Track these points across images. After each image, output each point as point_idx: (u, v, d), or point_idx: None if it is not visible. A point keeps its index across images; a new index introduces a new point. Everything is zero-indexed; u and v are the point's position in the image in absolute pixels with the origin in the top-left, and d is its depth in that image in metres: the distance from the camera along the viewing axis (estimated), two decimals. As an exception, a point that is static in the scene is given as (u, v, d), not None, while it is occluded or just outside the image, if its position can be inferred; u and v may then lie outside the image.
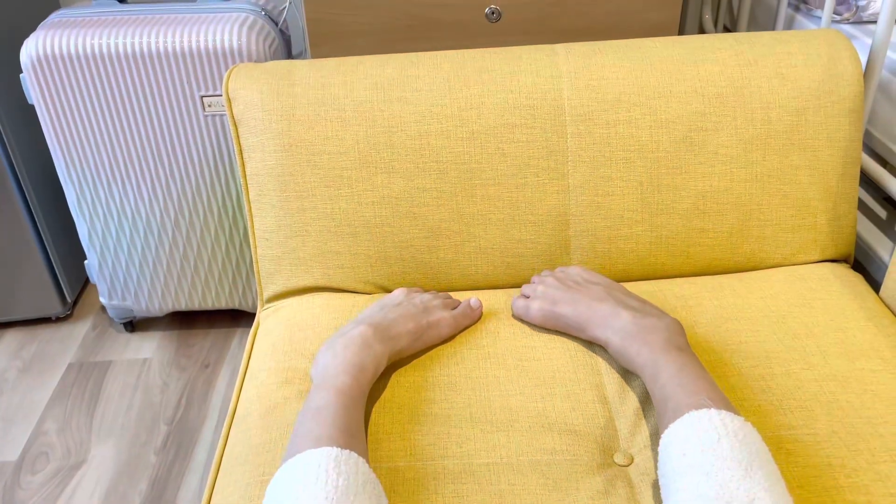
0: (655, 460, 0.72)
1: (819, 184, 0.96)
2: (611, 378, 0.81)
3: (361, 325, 0.79)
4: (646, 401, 0.78)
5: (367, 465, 0.63)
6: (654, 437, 0.74)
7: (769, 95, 0.93)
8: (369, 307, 0.87)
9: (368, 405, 0.79)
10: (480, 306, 0.90)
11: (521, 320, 0.89)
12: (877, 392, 0.77)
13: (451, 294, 0.97)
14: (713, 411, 0.62)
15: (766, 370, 0.80)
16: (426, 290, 0.92)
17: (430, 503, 0.68)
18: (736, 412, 0.64)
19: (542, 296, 0.87)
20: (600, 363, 0.83)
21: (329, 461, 0.61)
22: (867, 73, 1.02)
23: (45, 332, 1.55)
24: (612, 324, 0.79)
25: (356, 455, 0.63)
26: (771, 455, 0.61)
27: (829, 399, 0.76)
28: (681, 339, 0.75)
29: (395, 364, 0.84)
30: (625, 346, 0.76)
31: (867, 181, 1.15)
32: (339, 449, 0.62)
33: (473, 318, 0.89)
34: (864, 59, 1.04)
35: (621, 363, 0.79)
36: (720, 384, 0.79)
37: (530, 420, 0.76)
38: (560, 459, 0.72)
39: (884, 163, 1.08)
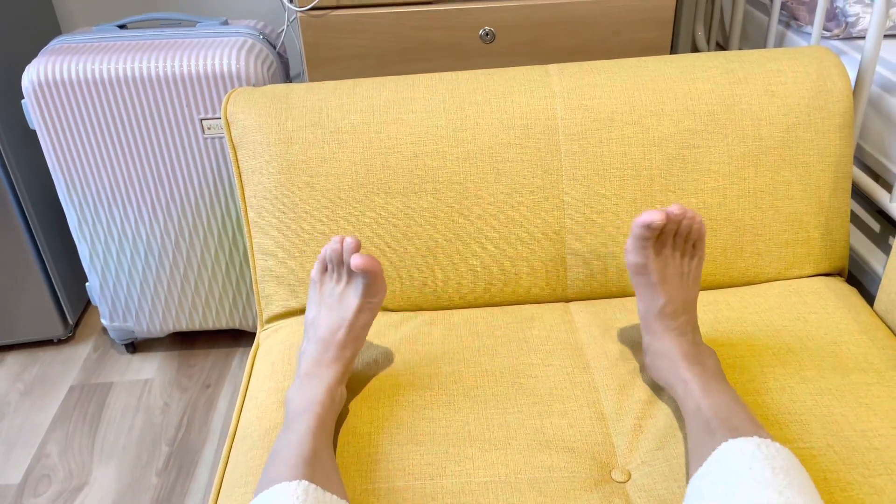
0: (653, 477, 0.72)
1: (811, 199, 0.97)
2: (608, 395, 0.82)
3: (302, 365, 0.80)
4: (643, 417, 0.79)
5: (318, 489, 0.64)
6: (653, 453, 0.75)
7: (760, 112, 0.95)
8: (304, 341, 0.84)
9: (366, 425, 0.79)
10: (354, 241, 0.79)
11: (629, 249, 0.79)
12: (872, 405, 0.77)
13: (450, 311, 0.98)
14: (779, 446, 0.64)
15: (762, 384, 0.81)
16: (327, 272, 0.84)
17: (428, 522, 0.69)
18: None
19: (661, 257, 0.79)
20: (597, 380, 0.84)
21: (277, 498, 0.63)
22: (857, 89, 1.03)
23: (46, 355, 1.56)
24: (676, 335, 0.78)
25: (305, 483, 0.64)
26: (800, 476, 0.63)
27: (825, 413, 0.77)
28: (722, 372, 0.78)
29: (391, 383, 0.85)
30: (679, 361, 0.76)
31: (860, 195, 1.16)
32: (287, 482, 0.64)
33: (372, 268, 0.77)
34: (853, 75, 1.05)
35: (657, 369, 0.79)
36: (716, 399, 0.80)
37: (528, 438, 0.77)
38: (558, 477, 0.73)
39: (876, 177, 1.09)
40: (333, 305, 0.82)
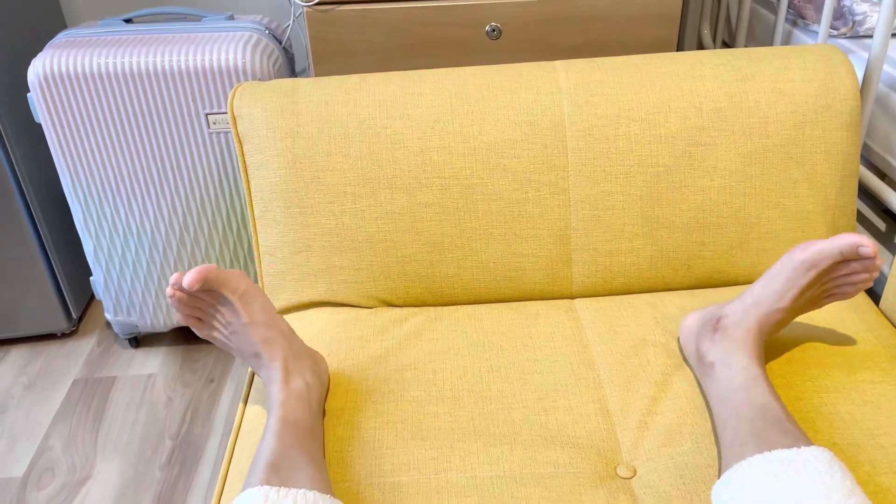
0: (658, 474, 0.72)
1: (818, 197, 0.96)
2: (613, 391, 0.82)
3: (264, 377, 0.79)
4: (648, 413, 0.79)
5: (280, 490, 0.64)
6: (658, 450, 0.75)
7: (767, 110, 0.94)
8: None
9: (371, 419, 0.79)
10: (170, 288, 0.76)
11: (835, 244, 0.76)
12: (877, 403, 0.77)
13: (455, 307, 0.97)
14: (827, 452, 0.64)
15: (767, 382, 0.81)
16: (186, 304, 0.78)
17: (433, 516, 0.69)
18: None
19: (817, 283, 0.78)
20: (602, 376, 0.84)
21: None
22: (864, 88, 1.03)
23: (50, 349, 1.56)
24: (759, 341, 0.78)
25: (266, 487, 0.65)
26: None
27: (830, 411, 0.77)
28: None
29: (396, 378, 0.85)
30: (755, 346, 0.76)
31: (866, 194, 1.15)
32: (248, 490, 0.65)
33: (196, 276, 0.73)
34: (860, 74, 1.05)
35: (728, 335, 0.77)
36: (722, 396, 0.80)
37: (533, 433, 0.77)
38: (563, 472, 0.73)
39: (882, 175, 1.09)
40: (227, 325, 0.78)
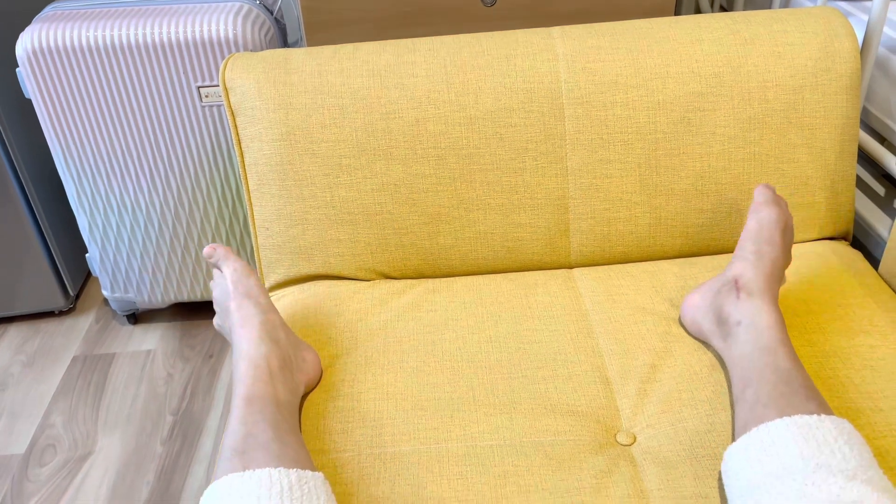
0: (658, 440, 0.72)
1: (817, 162, 0.96)
2: (612, 359, 0.82)
3: (233, 348, 0.79)
4: (647, 381, 0.79)
5: (243, 475, 0.63)
6: (657, 416, 0.75)
7: (766, 74, 0.93)
8: (224, 333, 0.85)
9: (370, 391, 0.79)
10: (211, 248, 0.85)
11: (757, 193, 0.84)
12: (876, 368, 0.77)
13: (453, 278, 0.97)
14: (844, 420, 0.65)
15: (767, 348, 0.81)
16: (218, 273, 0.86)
17: (434, 486, 0.69)
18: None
19: (786, 216, 0.83)
20: (601, 345, 0.84)
21: (213, 498, 0.63)
22: (864, 50, 1.01)
23: (48, 326, 1.56)
24: (772, 297, 0.78)
25: (231, 476, 0.63)
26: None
27: (829, 375, 0.77)
28: None
29: (395, 349, 0.84)
30: (773, 301, 0.76)
31: (865, 158, 1.15)
32: (215, 482, 0.64)
33: (224, 252, 0.84)
34: (860, 36, 1.04)
35: (728, 314, 0.78)
36: (720, 364, 0.80)
37: (532, 402, 0.77)
38: (563, 440, 0.73)
39: (882, 140, 1.08)
40: (218, 301, 0.84)
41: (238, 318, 0.78)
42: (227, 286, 0.81)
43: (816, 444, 0.61)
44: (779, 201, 0.84)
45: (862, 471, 0.59)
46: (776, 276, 0.79)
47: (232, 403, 0.72)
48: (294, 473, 0.64)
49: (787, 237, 0.83)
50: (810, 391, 0.67)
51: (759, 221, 0.82)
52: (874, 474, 0.59)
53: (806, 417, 0.63)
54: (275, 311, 0.81)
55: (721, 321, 0.78)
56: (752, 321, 0.75)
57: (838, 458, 0.60)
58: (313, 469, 0.66)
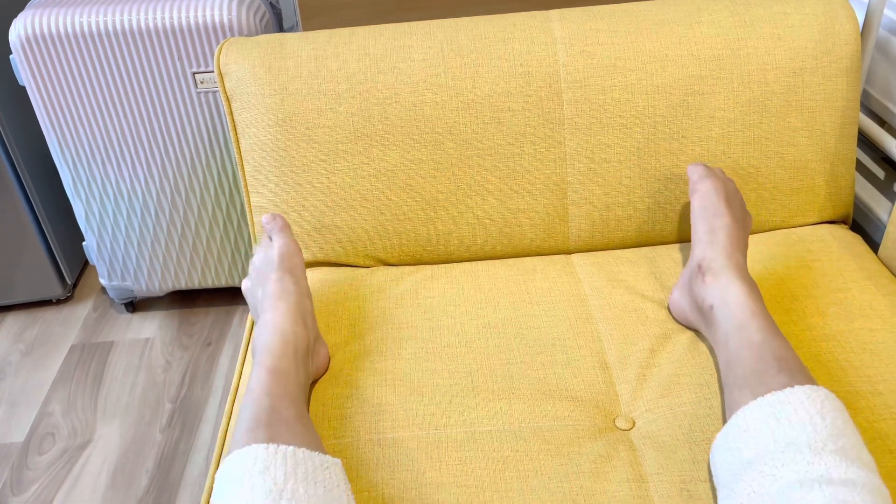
0: (657, 425, 0.72)
1: (817, 145, 0.95)
2: (611, 344, 0.82)
3: (258, 317, 0.78)
4: (647, 366, 0.79)
5: (266, 448, 0.62)
6: (656, 401, 0.75)
7: (766, 57, 0.93)
8: (251, 309, 0.85)
9: (367, 378, 0.79)
10: (271, 216, 0.86)
11: (690, 170, 0.87)
12: (876, 351, 0.77)
13: (452, 264, 0.97)
14: (822, 389, 0.64)
15: (766, 332, 0.80)
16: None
17: (434, 471, 0.69)
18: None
19: (723, 182, 0.84)
20: (601, 330, 0.83)
21: (231, 468, 0.62)
22: (864, 32, 1.01)
23: (46, 315, 1.56)
24: (731, 254, 0.78)
25: (255, 446, 0.62)
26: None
27: (829, 359, 0.77)
28: None
29: (394, 336, 0.84)
30: (721, 284, 0.76)
31: (865, 141, 1.14)
32: (237, 451, 0.62)
33: (282, 223, 0.85)
34: (861, 18, 1.03)
35: (692, 292, 0.78)
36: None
37: (531, 387, 0.77)
38: (562, 425, 0.73)
39: (881, 122, 1.08)
40: (258, 266, 0.83)
41: (276, 291, 0.77)
42: (273, 256, 0.81)
43: (788, 422, 0.60)
44: (711, 173, 0.85)
45: (832, 440, 0.58)
46: (736, 245, 0.79)
47: (253, 371, 0.71)
48: (318, 457, 0.63)
49: (733, 203, 0.83)
50: (782, 362, 0.66)
51: (700, 199, 0.83)
52: (846, 442, 0.58)
53: (777, 394, 0.63)
54: (310, 297, 0.81)
55: (700, 309, 0.78)
56: (722, 301, 0.75)
57: (808, 431, 0.59)
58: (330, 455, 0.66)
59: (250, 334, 0.93)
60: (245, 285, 0.85)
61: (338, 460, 0.65)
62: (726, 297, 0.74)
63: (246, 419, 0.66)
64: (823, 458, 0.57)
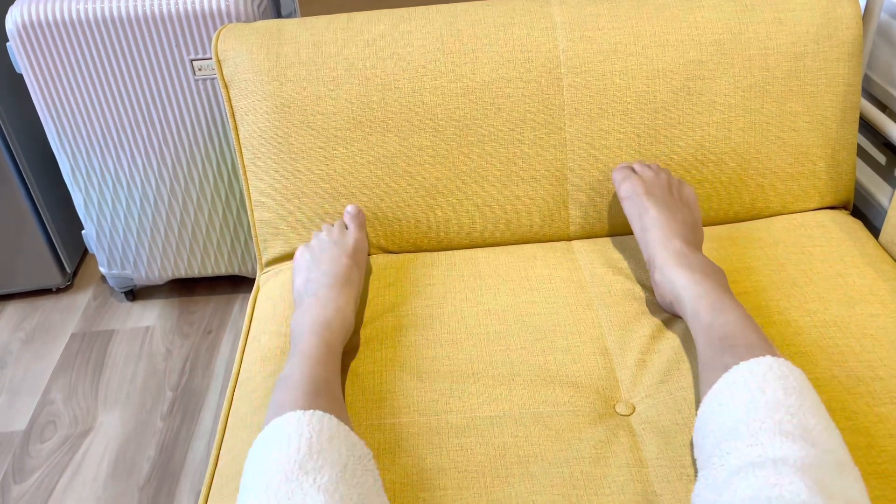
0: (657, 410, 0.72)
1: (818, 130, 0.95)
2: (611, 330, 0.82)
3: (313, 290, 0.79)
4: (647, 352, 0.79)
5: (333, 419, 0.62)
6: (656, 386, 0.75)
7: (767, 41, 0.92)
8: (296, 279, 0.85)
9: (368, 364, 0.79)
10: (356, 206, 0.92)
11: (615, 180, 0.89)
12: (876, 336, 0.77)
13: (451, 251, 0.97)
14: (792, 365, 0.62)
15: (766, 318, 0.80)
16: (315, 234, 0.89)
17: (434, 457, 0.69)
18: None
19: (649, 181, 0.85)
20: (601, 315, 0.83)
21: (290, 425, 0.61)
22: (866, 16, 1.00)
23: (46, 304, 1.56)
24: (676, 247, 0.78)
25: (319, 413, 0.62)
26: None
27: (829, 344, 0.76)
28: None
29: (394, 324, 0.84)
30: (677, 274, 0.75)
31: (866, 126, 1.14)
32: (302, 411, 0.62)
33: (363, 218, 0.92)
34: (862, 2, 1.02)
35: (662, 286, 0.78)
36: (720, 333, 0.79)
37: (532, 373, 0.77)
38: (562, 411, 0.73)
39: (883, 107, 1.07)
40: (328, 247, 0.85)
41: (345, 276, 0.81)
42: (349, 243, 0.85)
43: (731, 406, 0.59)
44: (629, 174, 0.87)
45: (770, 415, 0.56)
46: (670, 233, 0.79)
47: (305, 339, 0.72)
48: (363, 446, 0.63)
49: (655, 195, 0.84)
50: (725, 341, 0.66)
51: (627, 202, 0.85)
52: (783, 414, 0.56)
53: (720, 381, 0.62)
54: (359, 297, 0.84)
55: (669, 304, 0.79)
56: (675, 295, 0.76)
57: (750, 410, 0.58)
58: None
59: (251, 321, 0.93)
60: (302, 252, 0.86)
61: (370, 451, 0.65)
62: (675, 290, 0.75)
63: (299, 381, 0.66)
64: (760, 437, 0.55)
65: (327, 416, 0.62)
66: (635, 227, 0.84)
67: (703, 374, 0.66)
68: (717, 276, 0.75)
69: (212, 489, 0.74)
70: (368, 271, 0.93)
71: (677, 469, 0.67)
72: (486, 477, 0.67)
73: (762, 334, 0.67)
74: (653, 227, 0.80)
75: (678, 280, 0.75)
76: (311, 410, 0.62)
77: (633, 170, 0.89)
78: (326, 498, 0.55)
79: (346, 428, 0.63)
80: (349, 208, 0.91)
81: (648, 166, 0.89)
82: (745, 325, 0.67)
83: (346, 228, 0.89)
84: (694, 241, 0.81)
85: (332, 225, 0.90)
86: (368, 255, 0.85)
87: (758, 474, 0.52)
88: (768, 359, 0.61)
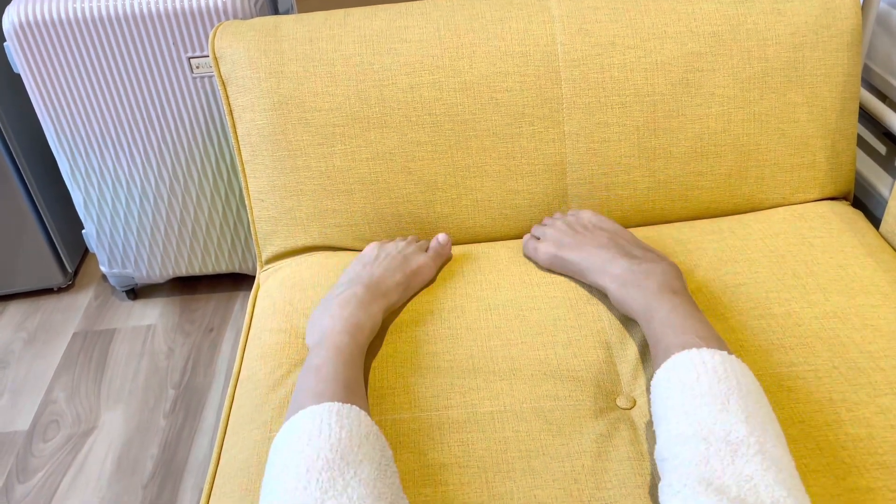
0: (658, 403, 0.72)
1: (818, 121, 0.94)
2: (612, 324, 0.81)
3: (354, 285, 0.79)
4: (647, 344, 0.78)
5: (368, 418, 0.64)
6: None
7: (766, 32, 0.92)
8: (351, 267, 0.87)
9: (370, 360, 0.79)
10: (449, 240, 0.91)
11: (530, 259, 0.90)
12: (877, 327, 0.77)
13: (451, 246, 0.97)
14: (694, 351, 0.63)
15: (766, 310, 0.80)
16: (395, 240, 0.92)
17: (435, 453, 0.69)
18: (724, 347, 0.64)
19: (551, 239, 0.87)
20: (601, 310, 0.83)
21: (331, 415, 0.61)
22: (865, 6, 0.99)
23: (47, 303, 1.56)
24: (611, 271, 0.79)
25: (357, 409, 0.63)
26: (758, 387, 0.61)
27: (830, 335, 0.76)
28: (676, 283, 0.75)
29: (394, 318, 0.84)
30: (621, 293, 0.76)
31: (866, 117, 1.13)
32: (341, 403, 0.63)
33: (447, 255, 0.91)
34: (862, -8, 1.02)
35: (621, 310, 0.79)
36: (720, 326, 0.79)
37: (532, 368, 0.77)
38: (563, 405, 0.73)
39: (883, 97, 1.07)
40: (395, 256, 0.86)
41: (388, 289, 0.81)
42: (411, 265, 0.85)
43: (655, 411, 0.63)
44: (529, 241, 0.90)
45: (676, 416, 0.59)
46: (600, 265, 0.81)
47: (338, 335, 0.72)
48: (388, 448, 0.64)
49: (565, 242, 0.86)
50: (658, 345, 0.68)
51: (553, 265, 0.87)
52: (705, 414, 0.58)
53: (653, 383, 0.65)
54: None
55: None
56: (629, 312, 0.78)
57: (657, 423, 0.61)
58: None
59: (251, 319, 0.93)
60: (374, 248, 0.88)
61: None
62: (627, 310, 0.77)
63: (336, 377, 0.67)
64: (662, 451, 0.60)
65: (363, 413, 0.63)
66: (573, 275, 0.86)
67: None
68: (647, 279, 0.76)
69: (214, 487, 0.74)
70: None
71: (679, 462, 0.67)
72: (488, 472, 0.67)
73: (685, 325, 0.68)
74: (586, 269, 0.83)
75: (623, 299, 0.77)
76: (350, 405, 0.63)
77: (534, 235, 0.91)
78: (368, 491, 0.56)
79: (378, 428, 0.64)
80: (441, 237, 0.91)
81: (543, 225, 0.91)
82: (668, 324, 0.69)
83: (424, 252, 0.89)
84: (614, 247, 0.82)
85: (419, 241, 0.92)
86: (425, 286, 0.87)
87: (664, 490, 0.56)
88: (673, 360, 0.64)
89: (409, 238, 0.92)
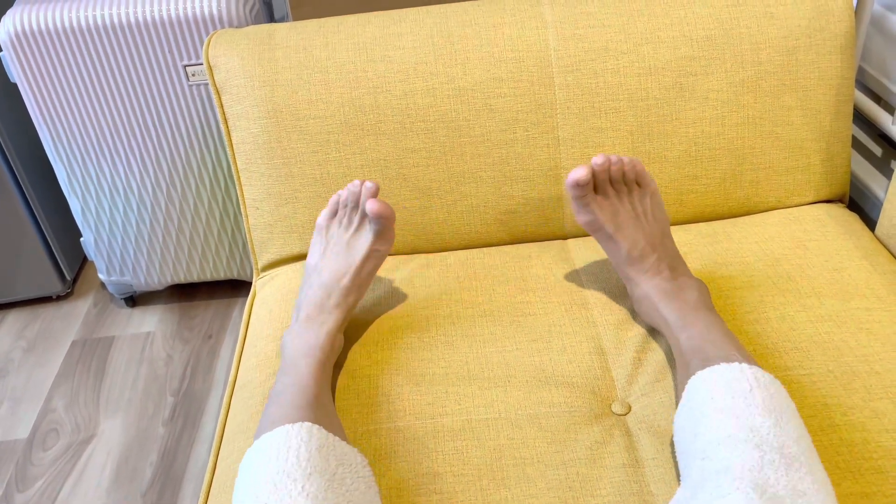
0: (653, 409, 0.72)
1: (812, 124, 0.94)
2: (606, 330, 0.81)
3: (307, 306, 0.79)
4: (642, 350, 0.78)
5: (322, 430, 0.64)
6: (652, 385, 0.75)
7: (759, 35, 0.92)
8: (305, 276, 0.83)
9: (366, 368, 0.79)
10: (373, 185, 0.79)
11: (574, 202, 0.79)
12: (872, 331, 0.77)
13: (446, 253, 0.97)
14: (745, 365, 0.64)
15: (761, 314, 0.80)
16: (336, 216, 0.84)
17: (430, 461, 0.69)
18: (764, 371, 0.65)
19: (609, 211, 0.79)
20: (596, 316, 0.83)
21: (279, 438, 0.62)
22: (859, 8, 0.99)
23: (46, 311, 1.56)
24: (653, 276, 0.78)
25: (308, 424, 0.64)
26: (798, 413, 0.62)
27: (825, 339, 0.76)
28: (709, 300, 0.77)
29: (390, 326, 0.84)
30: (658, 301, 0.76)
31: (861, 119, 1.13)
32: (290, 424, 0.64)
33: (387, 214, 0.77)
34: (855, -6, 1.02)
35: (645, 317, 0.79)
36: (716, 330, 0.79)
37: (527, 375, 0.77)
38: (558, 412, 0.73)
39: (878, 99, 1.07)
40: (340, 251, 0.81)
41: (340, 296, 0.79)
42: (354, 258, 0.80)
43: (683, 425, 0.64)
44: (587, 203, 0.78)
45: (717, 422, 0.59)
46: (641, 257, 0.79)
47: (301, 360, 0.73)
48: (356, 454, 0.65)
49: (618, 222, 0.79)
50: (686, 356, 0.69)
51: (593, 233, 0.80)
52: (728, 420, 0.59)
53: (682, 398, 0.66)
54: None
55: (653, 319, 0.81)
56: (653, 320, 0.79)
57: (697, 425, 0.61)
58: None
59: (247, 326, 0.93)
60: (316, 244, 0.83)
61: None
62: (654, 319, 0.78)
63: (292, 399, 0.68)
64: (707, 451, 0.59)
65: (315, 426, 0.63)
66: (607, 252, 0.82)
67: (678, 390, 0.69)
68: (688, 292, 0.76)
69: (210, 495, 0.74)
70: None
71: (673, 469, 0.67)
72: (483, 480, 0.67)
73: (727, 342, 0.68)
74: (626, 260, 0.80)
75: (658, 307, 0.77)
76: (300, 423, 0.64)
77: (594, 187, 0.80)
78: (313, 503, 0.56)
79: (336, 438, 0.64)
80: (371, 203, 0.76)
81: (610, 183, 0.80)
82: (708, 336, 0.69)
83: (363, 229, 0.80)
84: (662, 249, 0.79)
85: (353, 217, 0.81)
86: (383, 259, 0.82)
87: (708, 489, 0.55)
88: (720, 367, 0.64)
89: (349, 208, 0.82)
